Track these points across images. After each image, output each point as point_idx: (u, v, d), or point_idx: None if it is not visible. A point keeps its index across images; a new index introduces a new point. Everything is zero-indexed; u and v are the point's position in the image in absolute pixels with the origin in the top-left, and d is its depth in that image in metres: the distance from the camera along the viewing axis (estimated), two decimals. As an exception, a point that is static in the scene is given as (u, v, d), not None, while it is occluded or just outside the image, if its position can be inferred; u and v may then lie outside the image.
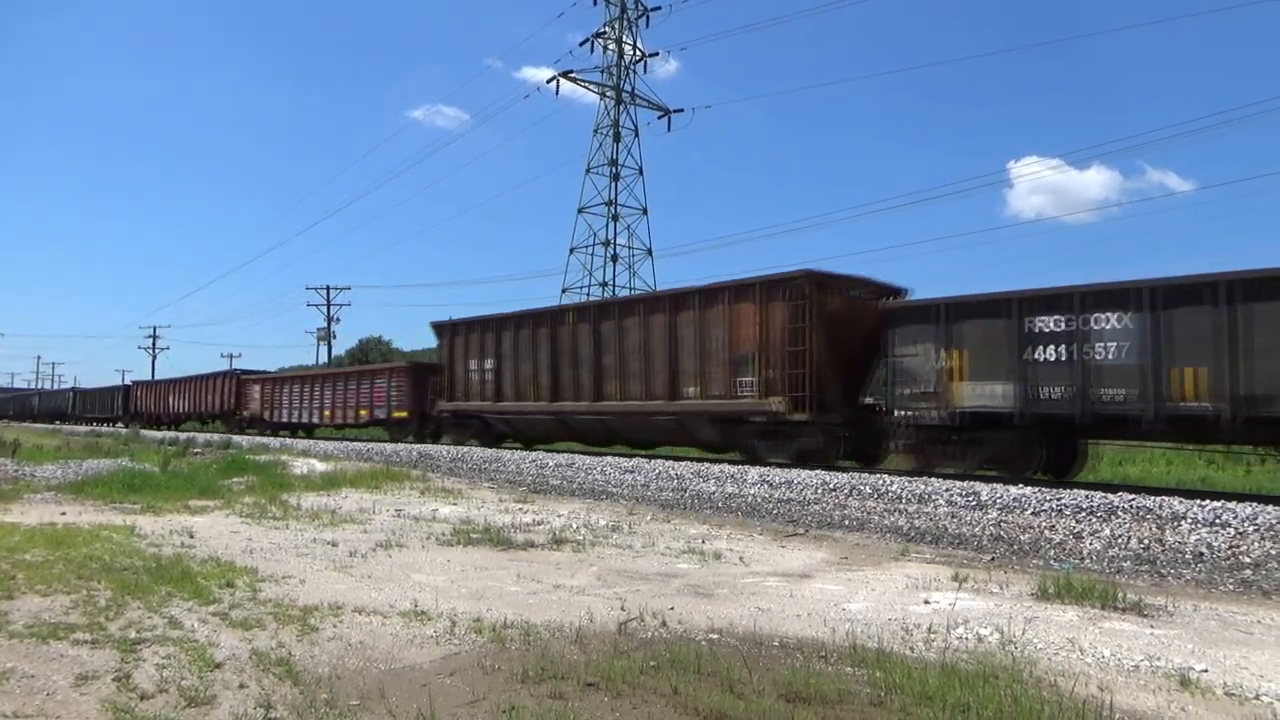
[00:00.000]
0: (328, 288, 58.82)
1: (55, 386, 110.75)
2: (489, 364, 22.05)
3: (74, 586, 6.06)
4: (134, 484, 13.83)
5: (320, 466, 18.84)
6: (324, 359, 58.10)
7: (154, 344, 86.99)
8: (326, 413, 31.27)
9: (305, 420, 32.92)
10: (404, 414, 26.95)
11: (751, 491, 12.82)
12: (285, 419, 34.15)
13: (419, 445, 25.51)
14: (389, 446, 24.99)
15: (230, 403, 38.20)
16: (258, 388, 36.47)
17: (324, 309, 58.70)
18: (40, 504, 11.64)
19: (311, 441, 29.20)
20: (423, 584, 6.51)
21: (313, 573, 6.88)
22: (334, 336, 58.92)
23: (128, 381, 61.25)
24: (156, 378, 54.97)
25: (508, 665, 4.34)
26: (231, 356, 79.93)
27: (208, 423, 42.79)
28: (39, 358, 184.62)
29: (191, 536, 8.66)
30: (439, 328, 23.95)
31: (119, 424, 51.44)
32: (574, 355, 19.43)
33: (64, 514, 10.42)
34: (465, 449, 22.39)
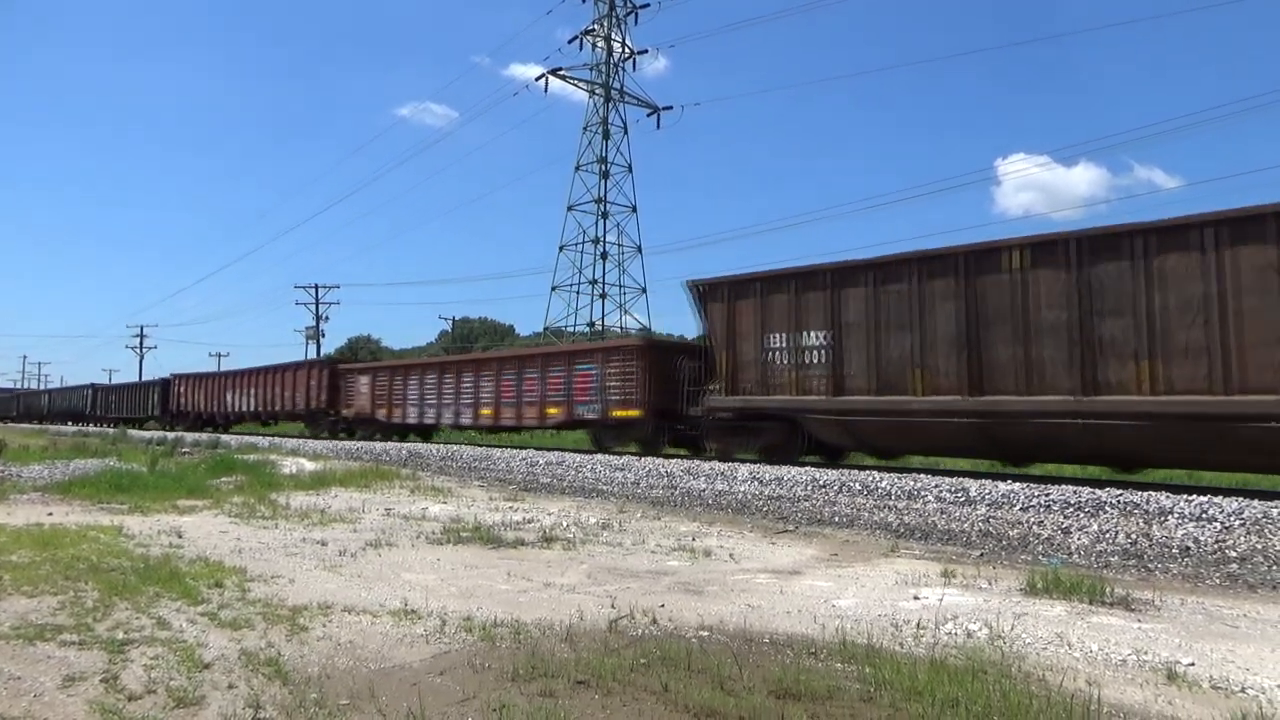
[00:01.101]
0: (316, 286, 58.67)
1: (41, 386, 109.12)
2: (816, 338, 14.83)
3: (61, 587, 6.02)
4: (121, 484, 13.77)
5: (309, 466, 18.78)
6: (313, 357, 57.85)
7: (141, 343, 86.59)
8: (486, 410, 22.85)
9: (450, 420, 24.49)
10: (631, 412, 18.63)
11: (741, 489, 12.84)
12: (416, 418, 26.09)
13: (407, 444, 25.40)
14: (378, 445, 24.87)
15: (320, 399, 30.84)
16: (366, 380, 28.52)
17: (312, 308, 58.53)
18: (26, 504, 11.57)
19: (300, 441, 29.07)
20: (413, 583, 6.50)
21: (302, 572, 6.86)
22: (323, 335, 58.73)
23: (166, 374, 52.10)
24: (205, 370, 45.17)
25: (498, 663, 4.34)
26: (219, 356, 79.72)
27: (268, 423, 36.96)
28: (25, 357, 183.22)
29: (180, 536, 8.62)
30: (705, 289, 16.66)
31: (151, 425, 45.36)
32: (1023, 320, 12.23)
33: (51, 514, 10.35)
34: (455, 447, 22.34)
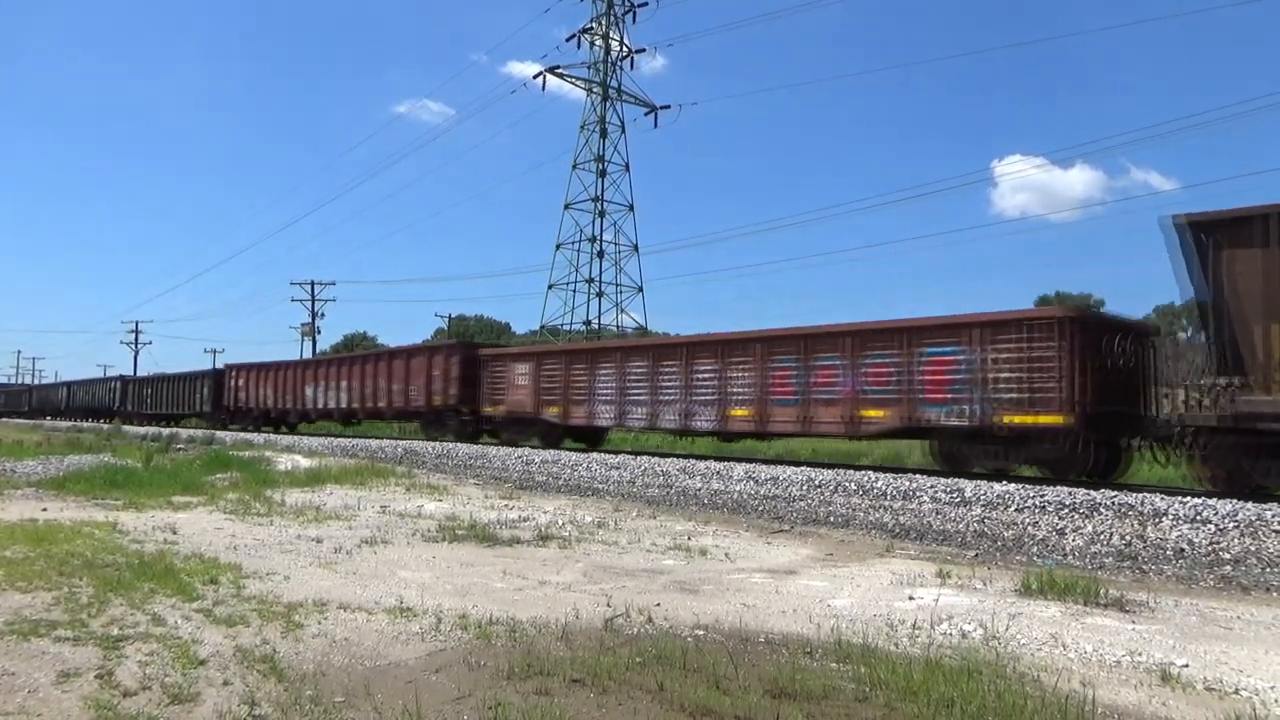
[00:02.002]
0: (312, 283, 58.49)
1: (37, 381, 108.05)
2: None
3: (55, 583, 6.01)
4: (116, 480, 13.75)
5: (305, 463, 18.76)
6: (308, 355, 57.75)
7: (136, 339, 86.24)
8: (742, 411, 16.31)
9: (674, 421, 17.72)
10: (1044, 417, 12.31)
11: (737, 488, 12.85)
12: (611, 418, 19.27)
13: (403, 441, 25.37)
14: (374, 443, 24.84)
15: (448, 393, 23.70)
16: (525, 368, 21.35)
17: (308, 304, 58.41)
18: (21, 500, 11.54)
19: (295, 438, 29.02)
20: (408, 580, 6.49)
21: (297, 569, 6.85)
22: (319, 332, 58.59)
23: (217, 365, 46.77)
24: (275, 358, 36.68)
25: (493, 662, 4.34)
26: (215, 352, 79.34)
27: (353, 422, 30.89)
28: (19, 352, 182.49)
29: (174, 533, 8.61)
30: (1212, 225, 10.56)
31: (191, 424, 39.87)
32: None
33: (45, 510, 10.33)
34: (450, 444, 22.30)
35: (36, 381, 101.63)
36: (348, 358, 30.08)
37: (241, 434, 31.31)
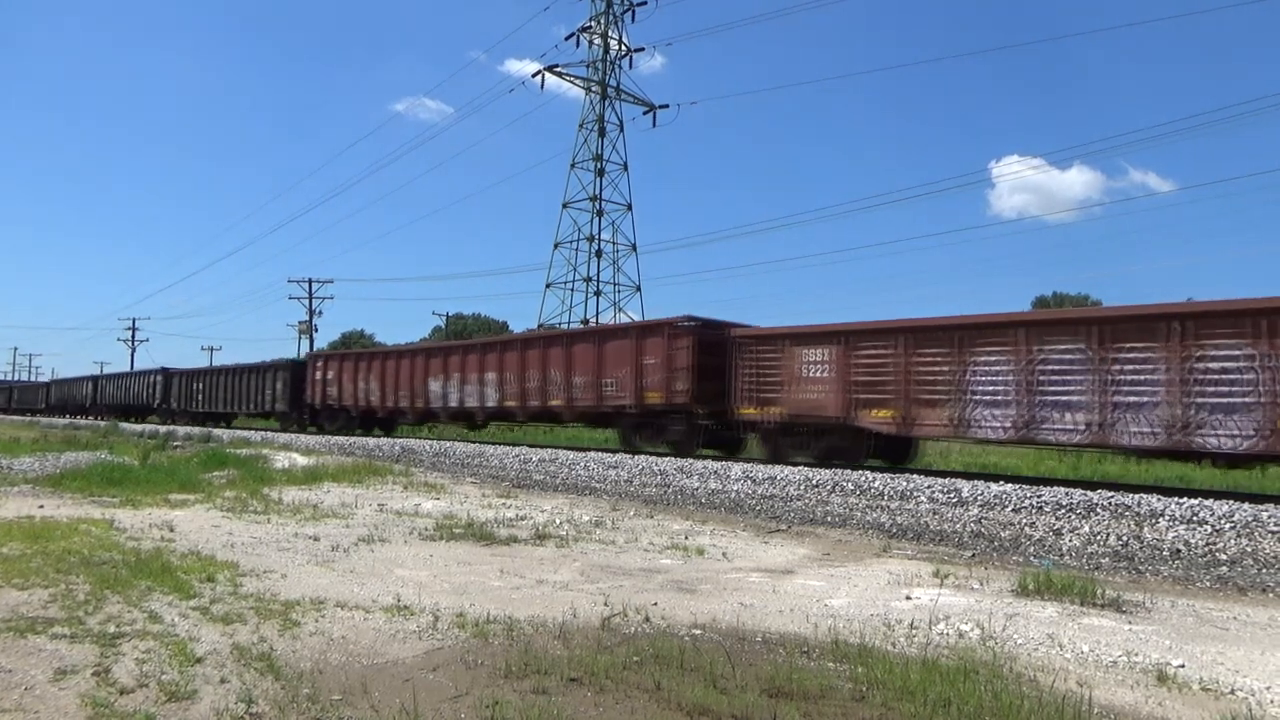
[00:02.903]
0: (310, 280, 58.43)
1: (32, 379, 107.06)
2: None
3: (52, 580, 6.00)
4: (113, 477, 13.73)
5: (302, 461, 18.73)
6: (305, 353, 57.67)
7: (133, 336, 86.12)
8: None
9: (1082, 428, 11.97)
10: None
11: (735, 488, 12.86)
12: (1005, 426, 12.73)
13: (401, 439, 25.35)
14: (371, 441, 24.83)
15: (679, 388, 17.41)
16: (823, 352, 15.25)
17: (305, 302, 58.36)
18: (17, 497, 11.52)
19: (291, 436, 28.97)
20: (405, 579, 6.49)
21: (294, 567, 6.85)
22: (315, 330, 58.55)
23: (292, 355, 40.35)
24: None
25: (491, 660, 4.34)
26: (212, 350, 79.04)
27: (481, 424, 25.44)
28: (15, 349, 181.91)
29: (171, 530, 8.60)
30: None
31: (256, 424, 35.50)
32: None
33: (42, 507, 10.31)
34: (447, 443, 22.31)
35: (57, 375, 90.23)
36: (498, 341, 23.71)
37: (239, 432, 31.10)
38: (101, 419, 46.47)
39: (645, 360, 18.11)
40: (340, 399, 28.73)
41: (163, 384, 42.49)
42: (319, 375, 30.07)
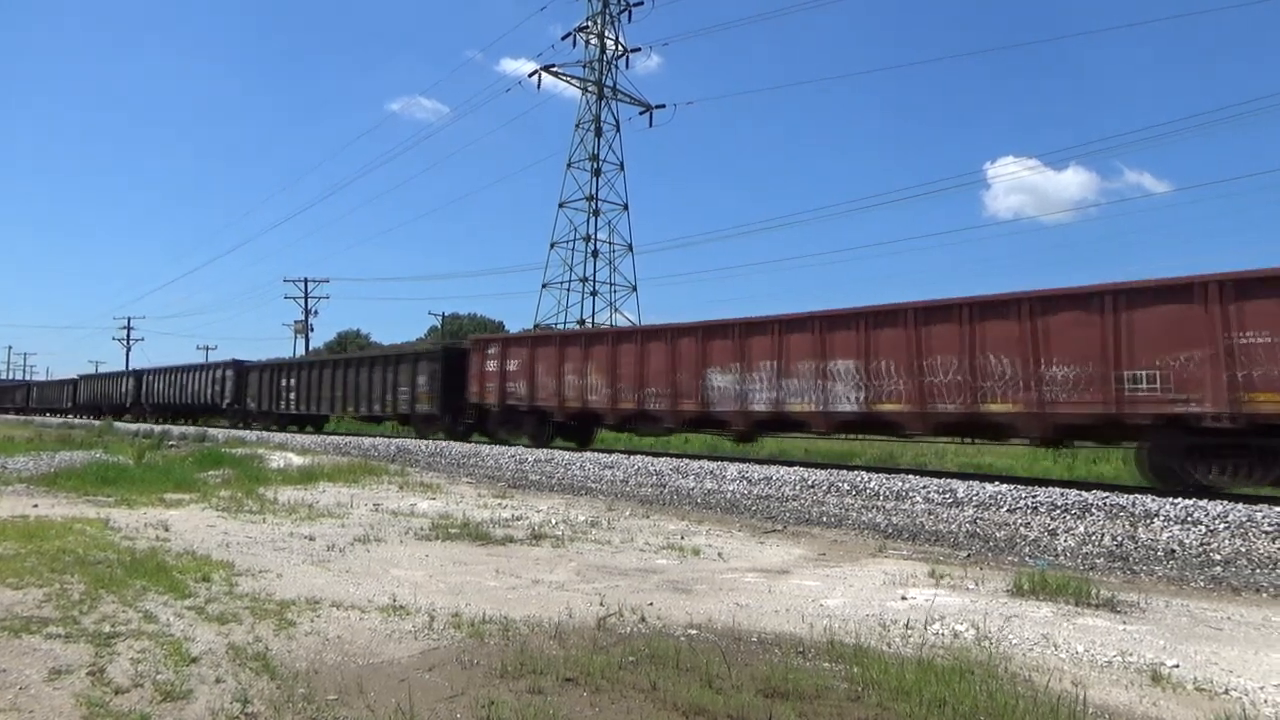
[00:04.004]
0: (306, 280, 58.31)
1: (27, 378, 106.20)
2: None
3: (47, 580, 5.99)
4: (108, 476, 13.69)
5: (297, 460, 18.71)
6: (301, 352, 57.51)
7: (129, 335, 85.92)
8: None
9: None
10: None
11: (730, 488, 12.87)
12: None
13: (397, 439, 25.26)
14: (367, 440, 24.79)
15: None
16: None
17: (301, 301, 58.25)
18: (11, 496, 11.49)
19: (288, 435, 28.91)
20: (401, 579, 6.49)
21: (290, 567, 6.84)
22: (312, 329, 58.43)
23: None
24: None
25: (486, 660, 4.33)
26: (208, 349, 78.64)
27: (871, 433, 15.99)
28: (10, 348, 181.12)
29: (167, 530, 8.58)
30: None
31: (376, 429, 29.59)
32: None
33: (36, 506, 10.29)
34: (443, 444, 22.27)
35: (96, 370, 76.49)
36: (844, 315, 14.73)
37: (237, 432, 30.86)
38: (146, 420, 40.36)
39: (1133, 328, 11.49)
40: (530, 394, 20.94)
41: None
42: (486, 367, 22.36)
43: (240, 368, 35.95)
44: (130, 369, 51.06)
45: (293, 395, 31.22)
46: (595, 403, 19.21)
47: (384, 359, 27.17)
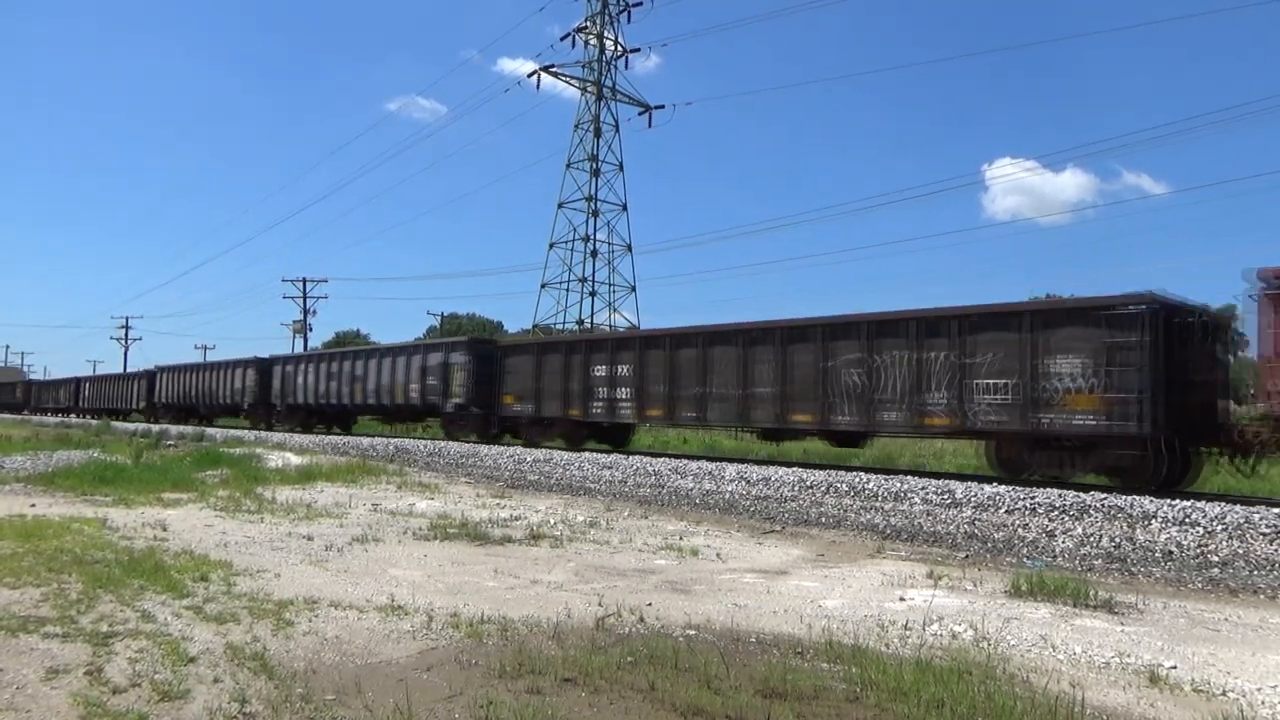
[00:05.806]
0: (304, 280, 58.22)
1: (27, 377, 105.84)
2: None
3: (44, 579, 5.98)
4: (106, 476, 13.68)
5: (295, 460, 18.69)
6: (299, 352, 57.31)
7: (126, 334, 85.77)
8: None
9: None
10: None
11: (729, 488, 12.87)
12: None
13: (395, 439, 25.26)
14: (365, 440, 24.75)
15: None
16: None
17: (299, 301, 58.18)
18: (9, 495, 11.48)
19: (286, 435, 28.87)
20: (399, 579, 6.48)
21: (288, 567, 6.83)
22: (310, 329, 58.34)
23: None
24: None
25: (485, 660, 4.33)
26: (205, 348, 78.68)
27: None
28: (8, 347, 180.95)
29: (164, 529, 8.57)
30: None
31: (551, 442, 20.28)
32: None
33: (34, 506, 10.27)
34: (442, 443, 22.25)
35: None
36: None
37: (234, 431, 30.86)
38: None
39: None
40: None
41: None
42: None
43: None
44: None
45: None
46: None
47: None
